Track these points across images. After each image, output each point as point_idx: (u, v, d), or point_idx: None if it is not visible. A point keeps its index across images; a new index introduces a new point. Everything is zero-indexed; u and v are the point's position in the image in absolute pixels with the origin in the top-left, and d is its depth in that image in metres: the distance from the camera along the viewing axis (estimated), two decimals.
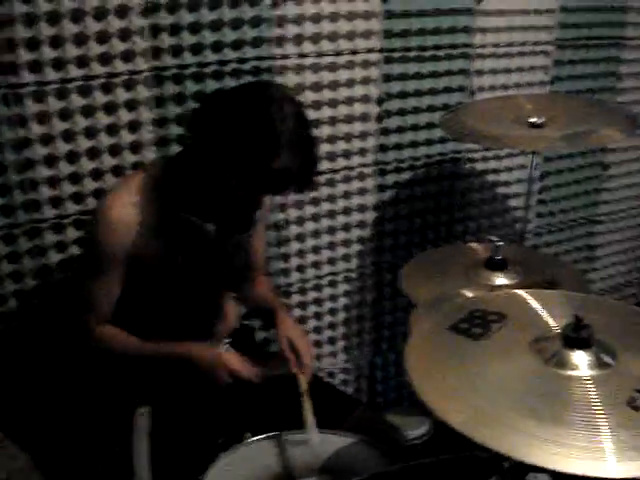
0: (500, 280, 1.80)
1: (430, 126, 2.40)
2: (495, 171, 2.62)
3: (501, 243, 1.78)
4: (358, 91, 2.23)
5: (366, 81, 2.23)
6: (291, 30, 2.04)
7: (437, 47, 2.31)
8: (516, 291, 1.31)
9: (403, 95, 2.31)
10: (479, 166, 2.57)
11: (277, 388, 1.76)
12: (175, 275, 1.70)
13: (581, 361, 1.12)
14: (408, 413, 1.99)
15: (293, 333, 1.77)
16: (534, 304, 1.26)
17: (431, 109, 2.38)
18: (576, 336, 1.10)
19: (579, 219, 2.91)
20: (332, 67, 2.15)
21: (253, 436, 1.67)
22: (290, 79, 2.09)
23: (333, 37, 2.12)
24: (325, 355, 2.50)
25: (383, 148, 2.35)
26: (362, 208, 2.39)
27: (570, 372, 1.12)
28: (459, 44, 2.35)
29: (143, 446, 1.67)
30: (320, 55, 2.12)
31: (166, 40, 1.87)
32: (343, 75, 2.18)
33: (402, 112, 2.34)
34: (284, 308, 1.92)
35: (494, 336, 1.17)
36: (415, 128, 2.38)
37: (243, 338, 2.00)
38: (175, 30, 1.88)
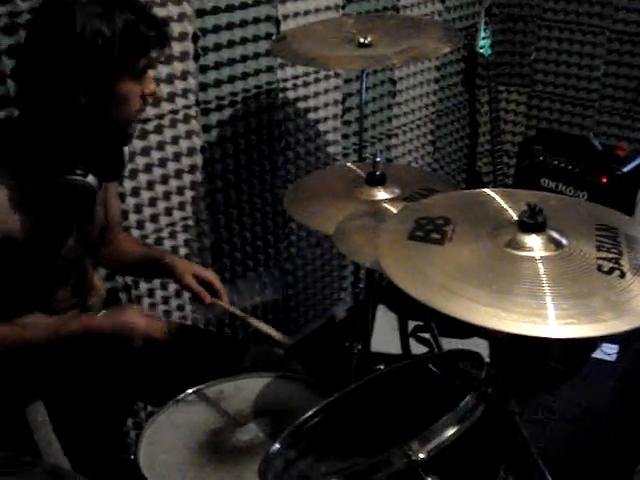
0: (382, 194, 1.86)
1: (244, 59, 2.35)
2: (306, 98, 2.65)
3: (379, 159, 1.83)
4: (174, 29, 2.12)
5: (181, 18, 2.12)
6: None
7: None
8: (444, 195, 1.37)
9: (217, 29, 2.24)
10: (292, 94, 2.59)
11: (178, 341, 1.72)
12: (48, 249, 1.54)
13: (534, 243, 1.23)
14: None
15: (194, 268, 1.77)
16: (468, 204, 1.33)
17: (244, 41, 2.33)
18: (532, 221, 1.20)
19: (378, 135, 3.07)
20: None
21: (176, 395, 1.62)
22: None
23: None
24: (173, 310, 2.42)
25: (203, 87, 2.27)
26: (191, 151, 2.30)
27: (524, 253, 1.22)
28: None
29: (48, 437, 1.55)
30: None
31: None
32: (159, 13, 2.05)
33: (217, 47, 2.27)
34: (166, 252, 1.86)
35: (454, 236, 1.23)
36: (231, 63, 2.32)
37: (113, 304, 1.88)
38: None
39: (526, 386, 2.58)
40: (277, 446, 1.32)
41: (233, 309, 1.74)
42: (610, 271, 1.16)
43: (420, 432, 1.11)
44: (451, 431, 1.10)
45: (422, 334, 2.73)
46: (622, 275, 1.16)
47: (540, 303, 1.11)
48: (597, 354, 2.81)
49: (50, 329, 1.52)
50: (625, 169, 2.93)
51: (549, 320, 1.09)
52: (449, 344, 2.61)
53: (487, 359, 2.61)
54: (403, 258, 1.19)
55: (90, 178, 1.48)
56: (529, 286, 1.14)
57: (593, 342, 2.80)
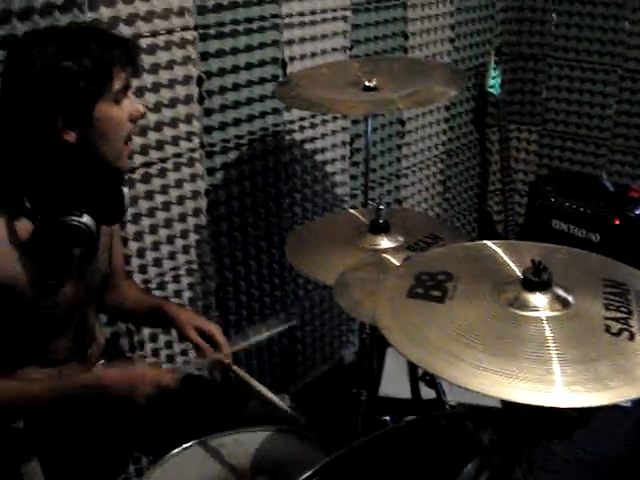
0: (385, 243, 1.82)
1: (250, 101, 2.34)
2: (313, 139, 2.63)
3: (382, 207, 1.80)
4: (178, 72, 2.11)
5: (185, 61, 2.11)
6: (105, 13, 1.87)
7: (249, 20, 2.25)
8: (446, 248, 1.33)
9: (222, 72, 2.23)
10: (298, 136, 2.57)
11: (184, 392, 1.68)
12: (49, 296, 1.50)
13: (539, 302, 1.17)
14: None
15: (196, 320, 1.73)
16: (470, 257, 1.29)
17: (249, 84, 2.32)
18: (537, 279, 1.15)
19: (387, 175, 3.04)
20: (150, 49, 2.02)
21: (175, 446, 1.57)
22: None
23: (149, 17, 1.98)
24: (176, 354, 2.38)
25: (208, 129, 2.25)
26: (195, 195, 2.28)
27: (528, 313, 1.17)
28: (268, 15, 2.30)
29: None
30: (137, 37, 1.97)
31: None
32: (163, 57, 2.05)
33: (222, 90, 2.25)
34: (168, 302, 1.83)
35: (456, 294, 1.18)
36: (236, 105, 2.31)
37: (112, 352, 1.84)
38: None
39: (539, 432, 2.52)
40: None
41: (234, 367, 1.69)
42: (619, 333, 1.11)
43: None
44: None
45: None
46: (631, 337, 1.10)
47: (546, 368, 1.06)
48: None
49: (51, 382, 1.49)
50: (638, 211, 2.87)
51: (555, 387, 1.03)
52: (461, 392, 2.55)
53: (499, 405, 2.55)
54: (402, 318, 1.14)
55: (86, 218, 1.44)
56: (534, 349, 1.09)
57: None
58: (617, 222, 2.87)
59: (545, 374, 1.05)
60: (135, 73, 1.49)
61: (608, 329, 1.12)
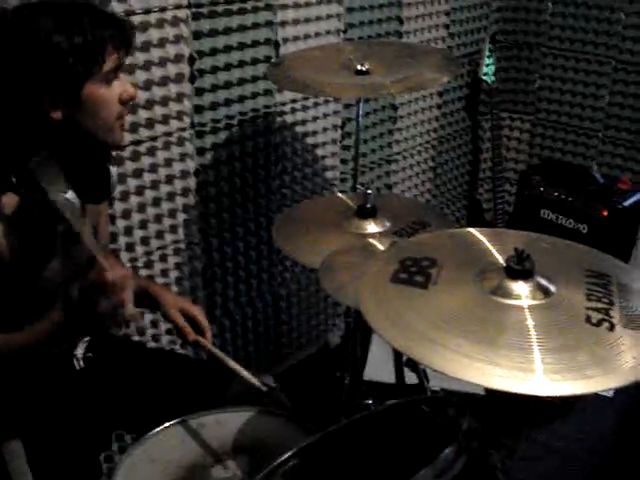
0: (372, 227, 1.82)
1: (242, 82, 2.33)
2: (304, 122, 2.62)
3: (370, 191, 1.80)
4: (170, 51, 2.09)
5: (177, 40, 2.10)
6: None
7: (243, 0, 2.23)
8: (431, 234, 1.34)
9: (214, 52, 2.21)
10: (290, 118, 2.56)
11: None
12: (34, 270, 1.50)
13: (521, 290, 1.18)
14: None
15: (180, 302, 1.73)
16: (455, 244, 1.29)
17: (241, 64, 2.31)
18: (519, 267, 1.15)
19: (377, 160, 3.03)
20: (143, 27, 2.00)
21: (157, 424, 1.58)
22: None
23: None
24: (162, 334, 2.38)
25: (199, 109, 2.24)
26: (184, 174, 2.27)
27: (510, 301, 1.18)
28: None
29: (22, 469, 1.52)
30: (129, 14, 1.95)
31: None
32: (155, 35, 2.03)
33: (214, 70, 2.24)
34: (152, 282, 1.82)
35: (439, 280, 1.18)
36: (228, 86, 2.30)
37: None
38: None
39: (520, 420, 2.54)
40: None
41: (215, 350, 1.69)
42: (599, 323, 1.12)
43: None
44: None
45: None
46: (611, 328, 1.11)
47: (526, 356, 1.06)
48: None
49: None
50: (626, 203, 2.88)
51: (535, 375, 1.04)
52: (445, 378, 2.57)
53: (482, 392, 2.56)
54: (384, 302, 1.15)
55: (70, 194, 1.44)
56: (515, 337, 1.10)
57: None
58: (605, 213, 2.88)
59: (525, 362, 1.06)
60: (127, 54, 1.46)
61: (589, 319, 1.13)
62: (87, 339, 1.75)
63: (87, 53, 1.35)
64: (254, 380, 1.64)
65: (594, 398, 2.72)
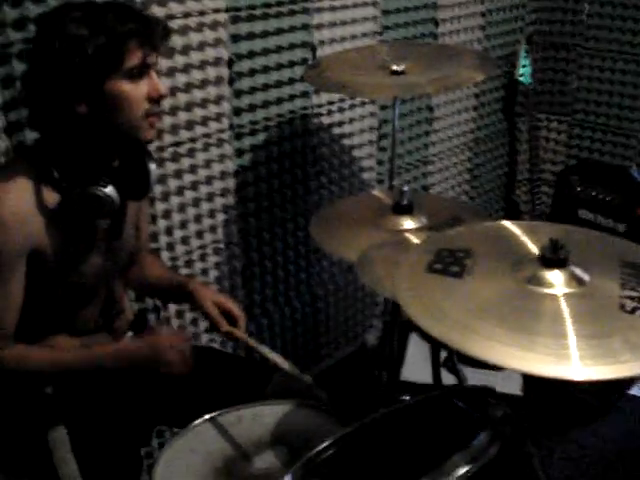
0: (408, 223, 1.84)
1: (279, 84, 2.37)
2: (341, 123, 2.65)
3: (406, 189, 1.82)
4: (209, 54, 2.14)
5: (216, 43, 2.15)
6: None
7: (280, 3, 2.27)
8: (466, 227, 1.36)
9: (252, 55, 2.26)
10: (326, 120, 2.59)
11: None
12: (75, 266, 1.55)
13: (556, 280, 1.19)
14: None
15: (215, 296, 1.76)
16: (490, 236, 1.31)
17: (279, 67, 2.35)
18: (554, 257, 1.17)
19: (414, 162, 3.05)
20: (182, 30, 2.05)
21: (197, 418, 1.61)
22: None
23: None
24: (202, 331, 2.42)
25: (237, 111, 2.28)
26: (223, 175, 2.32)
27: (545, 290, 1.19)
28: None
29: (66, 457, 1.56)
30: (169, 18, 2.00)
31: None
32: (194, 38, 2.09)
33: (252, 73, 2.28)
34: (190, 279, 1.86)
35: (474, 270, 1.20)
36: (266, 88, 2.34)
37: (140, 327, 1.89)
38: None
39: (559, 421, 2.53)
40: (289, 477, 1.30)
41: (249, 339, 1.72)
42: (633, 310, 1.13)
43: (431, 470, 1.08)
44: (462, 470, 1.08)
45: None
46: None
47: (561, 343, 1.08)
48: (633, 391, 2.73)
49: (82, 351, 1.54)
50: None
51: (572, 361, 1.06)
52: (482, 376, 2.57)
53: (520, 392, 2.56)
54: (420, 292, 1.17)
55: (109, 189, 1.48)
56: (550, 325, 1.12)
57: (630, 378, 2.72)
58: None
59: (560, 349, 1.07)
60: (154, 51, 1.45)
61: (623, 307, 1.14)
62: (130, 333, 1.80)
63: (107, 48, 1.36)
64: (294, 370, 1.66)
65: (633, 399, 2.70)
